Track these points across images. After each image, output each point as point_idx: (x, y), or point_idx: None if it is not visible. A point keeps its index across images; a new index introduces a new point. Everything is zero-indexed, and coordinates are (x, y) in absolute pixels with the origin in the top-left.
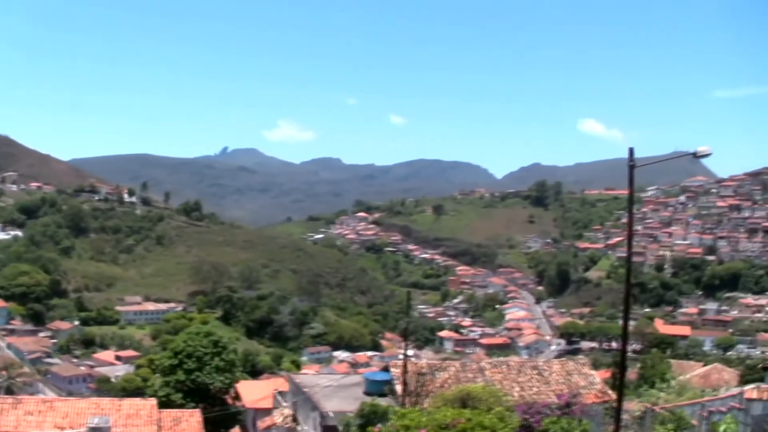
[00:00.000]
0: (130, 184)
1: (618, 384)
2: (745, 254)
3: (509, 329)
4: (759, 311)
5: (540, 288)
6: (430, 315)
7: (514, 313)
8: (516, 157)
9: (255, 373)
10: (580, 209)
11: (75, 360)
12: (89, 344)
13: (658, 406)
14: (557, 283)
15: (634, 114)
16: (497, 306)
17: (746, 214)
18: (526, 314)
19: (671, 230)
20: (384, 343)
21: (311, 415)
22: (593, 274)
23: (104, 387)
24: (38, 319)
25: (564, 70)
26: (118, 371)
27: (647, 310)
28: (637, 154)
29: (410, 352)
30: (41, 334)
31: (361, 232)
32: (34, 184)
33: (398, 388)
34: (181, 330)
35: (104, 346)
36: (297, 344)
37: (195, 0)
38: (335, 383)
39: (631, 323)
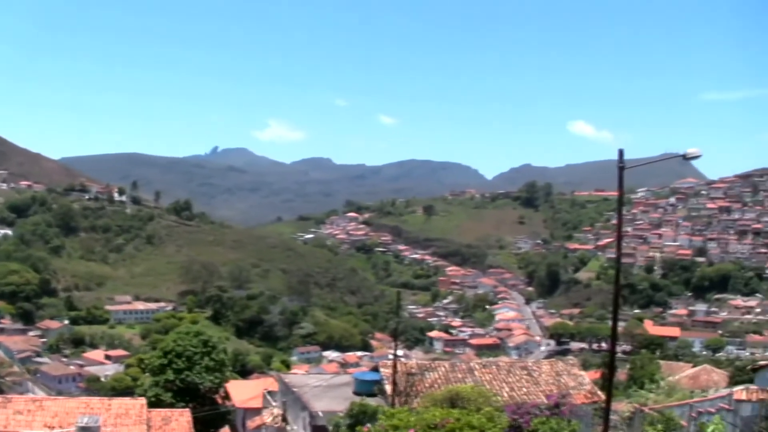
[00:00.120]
0: (120, 183)
1: (607, 385)
2: (734, 256)
3: (499, 330)
4: (748, 313)
5: (530, 289)
6: (420, 315)
7: (503, 313)
8: (506, 158)
9: (245, 372)
10: (570, 210)
11: (64, 359)
12: (79, 343)
13: (647, 406)
14: (547, 283)
15: (624, 116)
16: (487, 306)
17: (736, 216)
18: (515, 315)
19: (661, 232)
20: (374, 343)
21: (301, 415)
22: (583, 275)
23: (94, 386)
24: (28, 318)
25: (555, 71)
26: (108, 371)
27: (637, 311)
28: (628, 156)
29: (400, 352)
30: (31, 333)
31: (351, 232)
32: (24, 183)
33: (388, 388)
34: (171, 329)
35: (94, 346)
36: (287, 344)
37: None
38: (325, 383)
39: (621, 324)
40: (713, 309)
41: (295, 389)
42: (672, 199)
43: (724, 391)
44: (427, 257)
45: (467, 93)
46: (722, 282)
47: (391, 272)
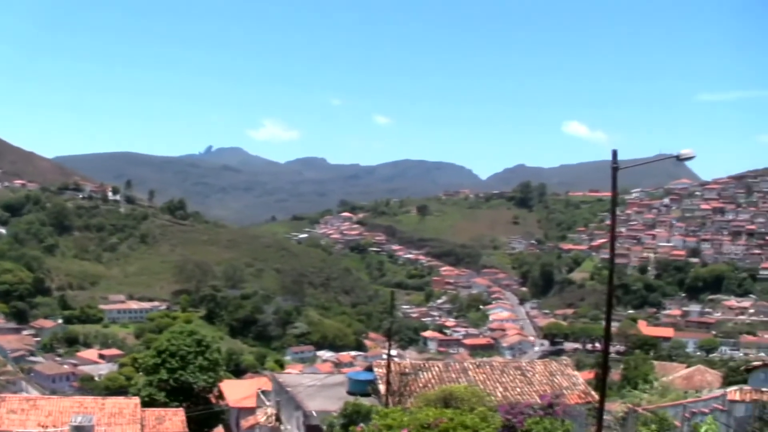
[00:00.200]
0: (114, 182)
1: (600, 385)
2: (728, 257)
3: (493, 330)
4: (742, 313)
5: (524, 289)
6: (414, 315)
7: (497, 313)
8: (501, 158)
9: (238, 372)
10: (564, 211)
11: (58, 358)
12: (73, 343)
13: (640, 407)
14: (541, 284)
15: (618, 117)
16: (481, 306)
17: (730, 216)
18: (509, 315)
19: (655, 232)
20: (368, 342)
21: (294, 415)
22: (577, 275)
23: (87, 385)
24: (22, 317)
25: (549, 71)
26: (102, 370)
27: (630, 311)
28: (622, 157)
29: (394, 352)
30: (25, 333)
31: (345, 232)
32: (18, 182)
33: (381, 387)
34: (165, 329)
35: (88, 345)
36: (280, 344)
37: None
38: (319, 383)
39: (615, 325)
40: (707, 310)
41: (288, 389)
42: (666, 200)
43: (718, 392)
44: (421, 257)
45: (462, 93)
46: (716, 283)
47: (385, 272)
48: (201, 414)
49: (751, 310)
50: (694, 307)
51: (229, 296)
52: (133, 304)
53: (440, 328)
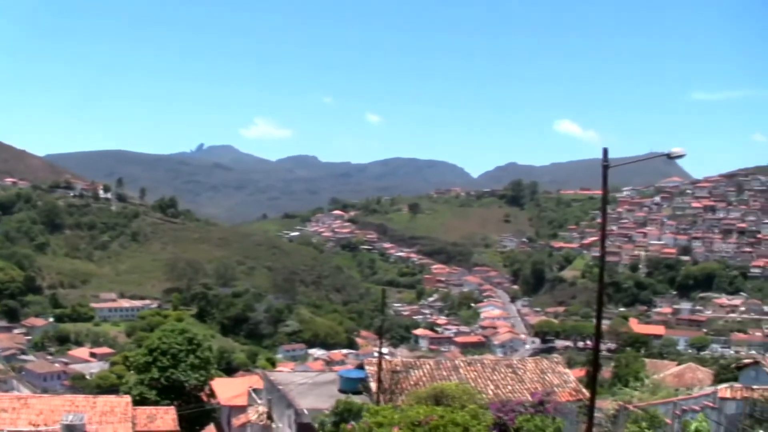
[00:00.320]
0: (105, 180)
1: (592, 382)
2: (719, 255)
3: (484, 328)
4: (733, 311)
5: (515, 287)
6: (406, 313)
7: (489, 311)
8: (492, 156)
9: (230, 370)
10: (555, 209)
11: (49, 357)
12: (64, 341)
13: (631, 404)
14: (532, 282)
15: (610, 115)
16: (472, 304)
17: (721, 215)
18: (501, 313)
19: (646, 230)
20: (359, 341)
21: (286, 413)
22: (568, 273)
23: (79, 384)
24: (13, 316)
25: (541, 70)
26: (93, 368)
27: (622, 309)
28: (613, 156)
29: (385, 350)
30: (16, 331)
31: (336, 230)
32: (9, 180)
33: (373, 385)
34: (156, 327)
35: (79, 343)
36: (272, 342)
37: None
38: (310, 381)
39: (606, 322)
40: (698, 307)
41: (280, 387)
42: (657, 198)
43: (709, 390)
44: (412, 255)
45: (453, 91)
46: (707, 281)
47: (377, 270)
48: (192, 412)
49: (742, 308)
50: (685, 305)
51: (221, 294)
52: (125, 303)
53: (431, 326)
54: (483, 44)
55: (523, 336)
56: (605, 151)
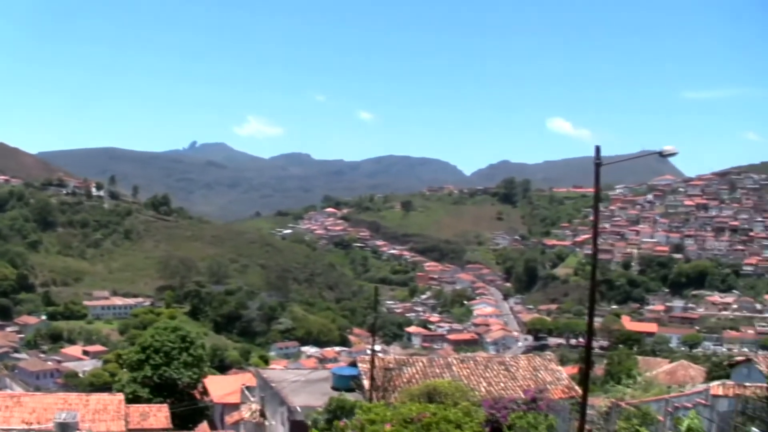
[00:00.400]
0: (98, 177)
1: (584, 380)
2: (711, 253)
3: (477, 325)
4: (725, 309)
5: (508, 284)
6: (398, 311)
7: (481, 309)
8: (485, 154)
9: (223, 368)
10: (548, 207)
11: (42, 355)
12: (57, 339)
13: (624, 401)
14: (525, 279)
15: (603, 113)
16: (465, 302)
17: (713, 213)
18: (493, 310)
19: (639, 228)
20: (352, 338)
21: (279, 410)
22: (561, 271)
23: (72, 382)
24: (5, 314)
25: (534, 68)
26: (86, 366)
27: (614, 306)
28: (606, 154)
29: (378, 348)
30: (8, 329)
31: (329, 228)
32: (1, 177)
33: (366, 383)
34: (149, 325)
35: (72, 341)
36: (265, 339)
37: None
38: (303, 378)
39: (598, 320)
40: (690, 305)
41: (273, 384)
42: (649, 196)
43: (701, 387)
44: (405, 253)
45: (446, 89)
46: (699, 278)
47: (369, 268)
48: (185, 410)
49: (734, 306)
50: (678, 303)
51: (214, 292)
52: (117, 300)
53: (424, 324)
54: (476, 43)
55: (515, 333)
56: (598, 150)
